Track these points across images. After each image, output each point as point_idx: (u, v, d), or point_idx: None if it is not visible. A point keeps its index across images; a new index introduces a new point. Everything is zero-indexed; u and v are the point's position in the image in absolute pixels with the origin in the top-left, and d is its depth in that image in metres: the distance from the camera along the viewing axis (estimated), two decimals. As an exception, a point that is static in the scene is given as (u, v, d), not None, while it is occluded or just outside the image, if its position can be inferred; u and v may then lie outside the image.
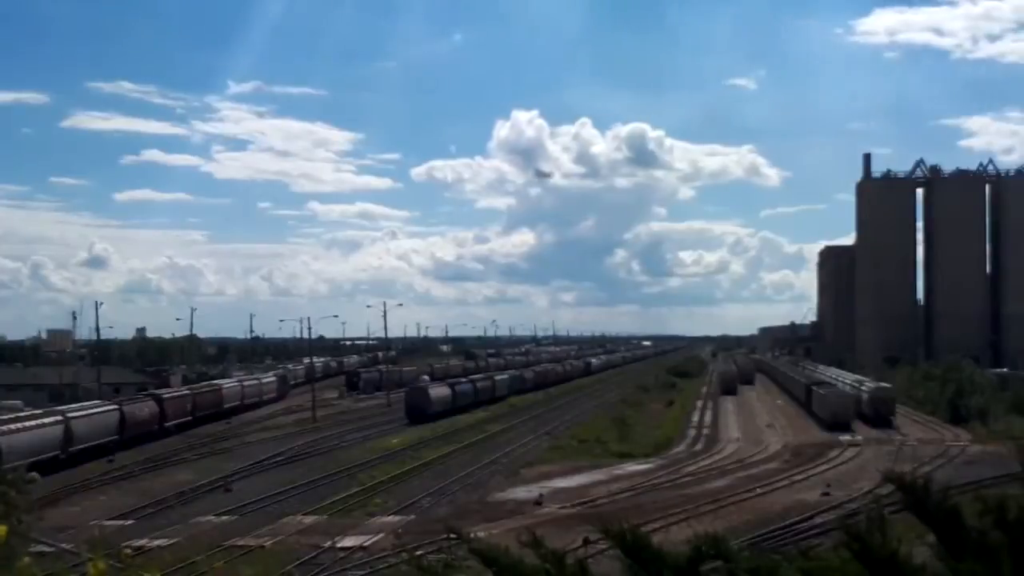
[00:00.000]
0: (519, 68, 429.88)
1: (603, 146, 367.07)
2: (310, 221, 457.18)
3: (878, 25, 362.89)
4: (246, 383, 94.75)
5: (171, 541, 34.64)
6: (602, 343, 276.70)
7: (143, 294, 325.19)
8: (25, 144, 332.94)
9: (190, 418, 75.42)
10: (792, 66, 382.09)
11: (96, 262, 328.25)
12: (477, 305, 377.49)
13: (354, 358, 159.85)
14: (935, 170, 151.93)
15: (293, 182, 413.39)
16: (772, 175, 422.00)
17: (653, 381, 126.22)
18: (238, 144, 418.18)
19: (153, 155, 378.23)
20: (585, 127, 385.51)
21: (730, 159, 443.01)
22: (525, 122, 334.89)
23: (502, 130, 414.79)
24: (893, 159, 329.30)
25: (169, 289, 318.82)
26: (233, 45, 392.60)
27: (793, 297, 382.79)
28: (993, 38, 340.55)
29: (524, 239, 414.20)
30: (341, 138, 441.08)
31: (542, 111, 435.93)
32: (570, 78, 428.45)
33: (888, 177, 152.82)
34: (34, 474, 45.44)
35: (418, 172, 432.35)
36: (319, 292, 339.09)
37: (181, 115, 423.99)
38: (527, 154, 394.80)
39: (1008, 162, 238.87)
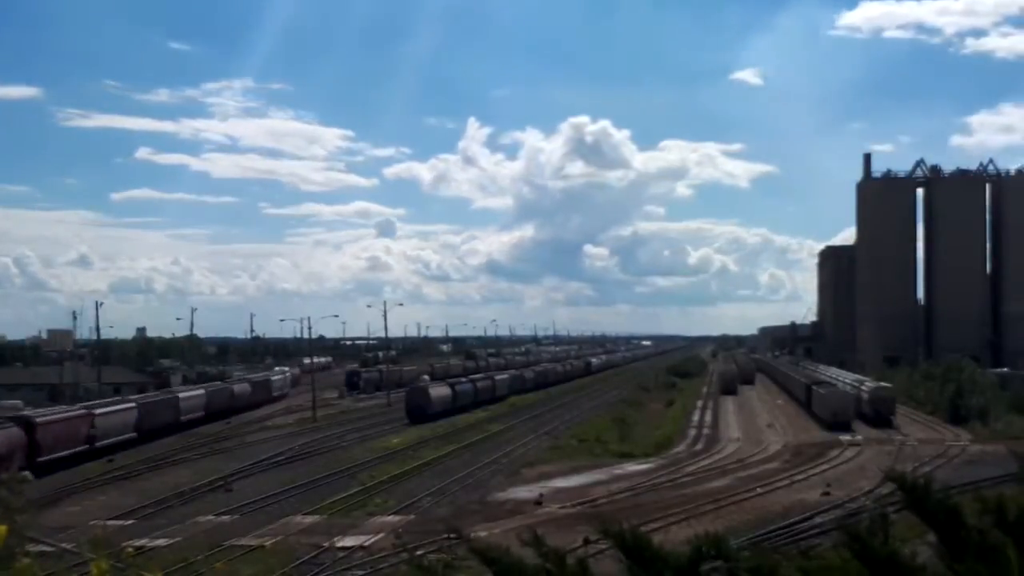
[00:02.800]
0: (507, 63, 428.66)
1: (598, 145, 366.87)
2: (307, 220, 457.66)
3: (858, 18, 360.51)
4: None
5: (171, 541, 34.67)
6: (602, 343, 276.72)
7: (141, 294, 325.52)
8: (16, 142, 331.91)
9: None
10: (779, 60, 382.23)
11: (94, 262, 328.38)
12: (475, 305, 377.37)
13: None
14: (935, 170, 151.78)
15: (289, 181, 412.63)
16: (770, 173, 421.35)
17: (653, 381, 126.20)
18: (233, 143, 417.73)
19: (148, 154, 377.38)
20: (581, 126, 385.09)
21: (725, 156, 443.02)
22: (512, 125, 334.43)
23: (491, 131, 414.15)
24: (884, 154, 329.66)
25: (168, 289, 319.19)
26: (224, 44, 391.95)
27: (789, 296, 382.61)
28: (979, 34, 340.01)
29: (521, 238, 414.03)
30: (334, 136, 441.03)
31: (533, 109, 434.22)
32: (560, 75, 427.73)
33: (888, 177, 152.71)
34: (27, 474, 45.48)
35: (413, 171, 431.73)
36: (318, 291, 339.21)
37: (176, 114, 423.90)
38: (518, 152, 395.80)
39: (998, 154, 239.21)
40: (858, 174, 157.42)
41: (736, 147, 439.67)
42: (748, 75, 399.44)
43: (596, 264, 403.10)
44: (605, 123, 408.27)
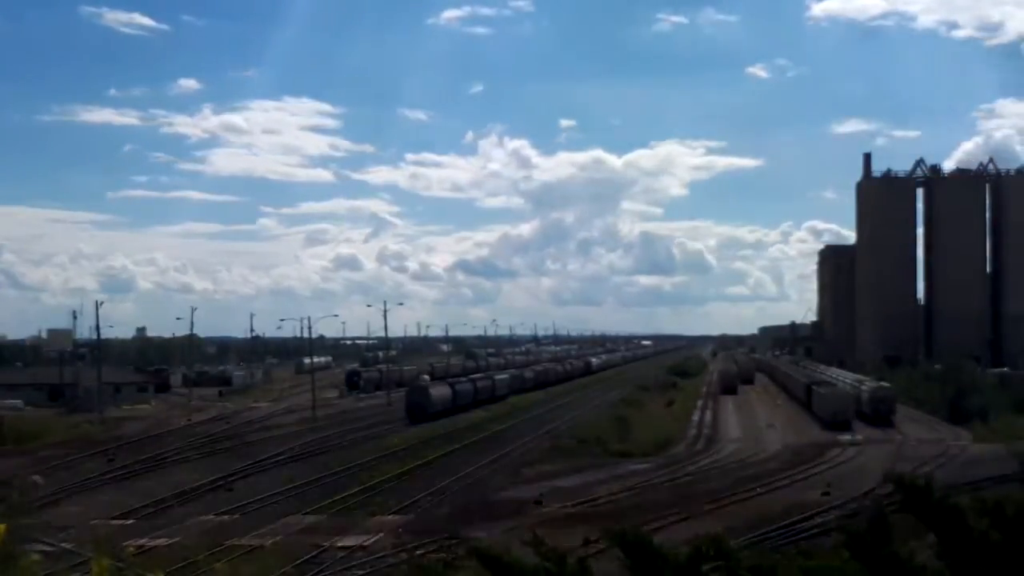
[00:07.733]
0: (503, 60, 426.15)
1: (594, 144, 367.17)
2: (304, 219, 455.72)
3: (827, 8, 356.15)
4: None
5: (172, 541, 34.68)
6: (602, 342, 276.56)
7: (139, 293, 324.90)
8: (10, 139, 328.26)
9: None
10: (768, 55, 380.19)
11: (91, 261, 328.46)
12: (469, 303, 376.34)
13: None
14: (935, 170, 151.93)
15: (287, 180, 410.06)
16: (768, 171, 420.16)
17: (653, 380, 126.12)
18: (225, 140, 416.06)
19: (135, 152, 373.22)
20: (577, 125, 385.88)
21: (722, 155, 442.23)
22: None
23: (488, 128, 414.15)
24: (878, 149, 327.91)
25: (167, 288, 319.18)
26: (208, 37, 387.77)
27: (788, 296, 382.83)
28: (951, 27, 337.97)
29: (519, 237, 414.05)
30: (328, 132, 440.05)
31: (528, 106, 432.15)
32: (555, 72, 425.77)
33: (888, 177, 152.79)
34: (36, 477, 45.60)
35: (408, 168, 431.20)
36: (317, 290, 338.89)
37: (149, 106, 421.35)
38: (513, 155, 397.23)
39: (995, 150, 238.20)
40: (855, 171, 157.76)
41: (727, 144, 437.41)
42: (756, 70, 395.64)
43: (594, 263, 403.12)
44: (602, 123, 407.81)
